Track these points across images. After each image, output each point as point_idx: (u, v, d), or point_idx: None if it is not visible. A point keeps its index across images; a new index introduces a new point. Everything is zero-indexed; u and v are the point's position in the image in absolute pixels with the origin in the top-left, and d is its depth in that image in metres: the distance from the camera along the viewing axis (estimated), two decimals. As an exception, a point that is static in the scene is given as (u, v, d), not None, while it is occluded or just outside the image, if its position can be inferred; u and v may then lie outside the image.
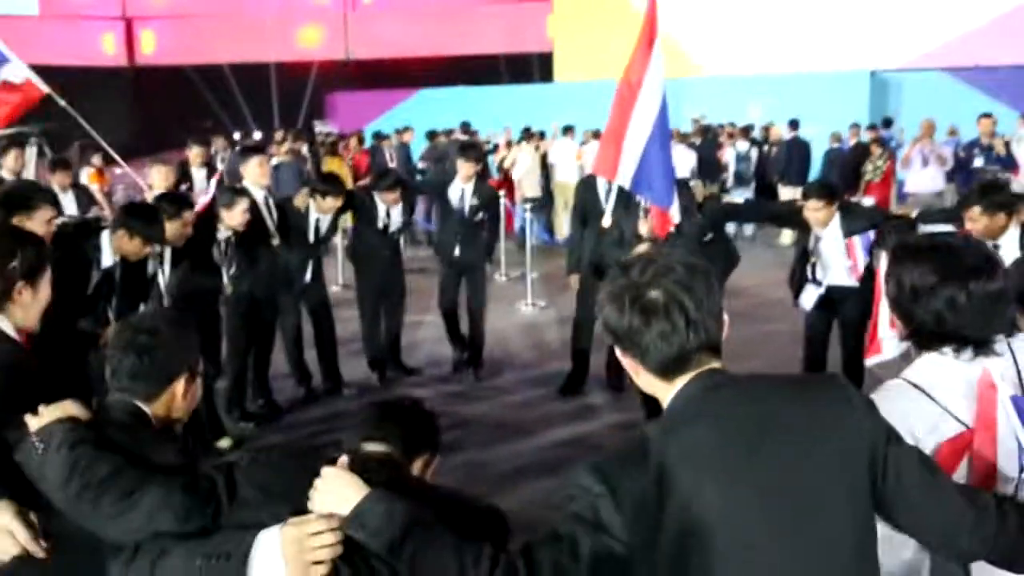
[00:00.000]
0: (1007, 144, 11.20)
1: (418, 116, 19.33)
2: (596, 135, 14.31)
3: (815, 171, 13.52)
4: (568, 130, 13.54)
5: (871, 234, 5.11)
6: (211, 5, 26.32)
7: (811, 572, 1.56)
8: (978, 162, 11.19)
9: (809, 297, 5.35)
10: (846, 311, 5.28)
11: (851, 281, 5.21)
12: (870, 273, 5.00)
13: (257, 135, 22.57)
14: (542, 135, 14.45)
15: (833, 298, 5.31)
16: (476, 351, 6.83)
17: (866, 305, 4.78)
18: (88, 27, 26.90)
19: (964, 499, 1.66)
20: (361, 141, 15.42)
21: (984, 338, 1.88)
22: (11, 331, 2.20)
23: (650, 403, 1.94)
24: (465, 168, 6.60)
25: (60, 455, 1.77)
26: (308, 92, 26.42)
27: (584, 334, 6.28)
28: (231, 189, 5.41)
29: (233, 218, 5.09)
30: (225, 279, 5.11)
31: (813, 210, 5.15)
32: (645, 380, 1.67)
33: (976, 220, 4.27)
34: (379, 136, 15.01)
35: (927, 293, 1.88)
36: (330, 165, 7.18)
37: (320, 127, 22.63)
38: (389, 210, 6.36)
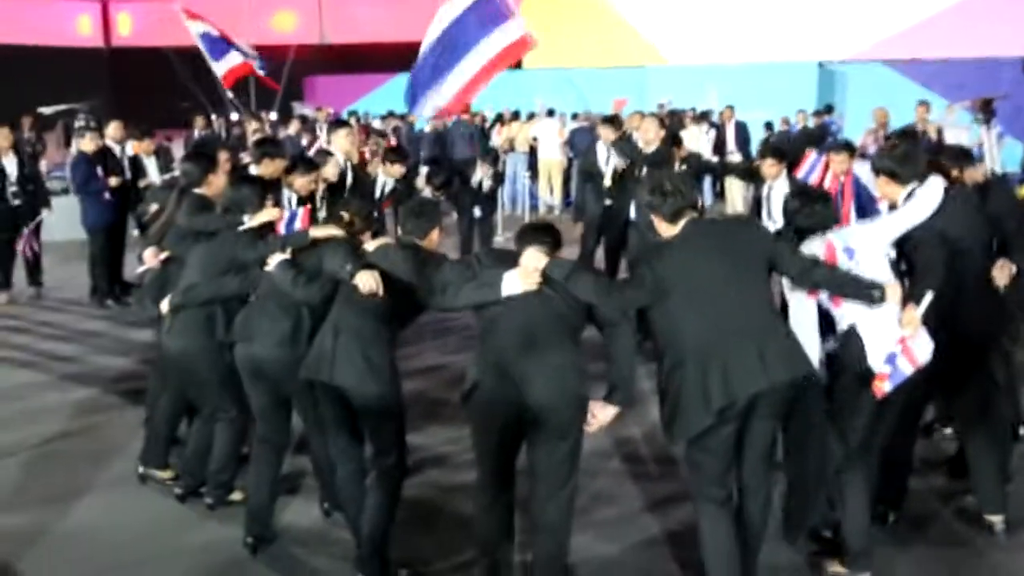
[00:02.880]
0: (939, 131, 12.54)
1: (397, 100, 20.48)
2: (574, 117, 15.77)
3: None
4: (551, 112, 14.93)
5: None
6: (184, -14, 26.99)
7: (743, 288, 3.49)
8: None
9: None
10: None
11: None
12: None
13: (234, 116, 23.51)
14: (516, 116, 15.79)
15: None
16: None
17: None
18: (64, 8, 27.46)
19: (808, 261, 3.66)
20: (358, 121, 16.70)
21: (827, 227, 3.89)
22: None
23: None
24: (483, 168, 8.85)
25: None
26: (285, 75, 27.27)
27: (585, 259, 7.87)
28: (323, 151, 6.74)
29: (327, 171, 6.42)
30: None
31: (768, 166, 6.69)
32: (663, 227, 3.63)
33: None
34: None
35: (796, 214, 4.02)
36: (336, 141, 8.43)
37: (300, 109, 23.59)
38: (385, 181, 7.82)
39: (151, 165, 9.14)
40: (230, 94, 13.71)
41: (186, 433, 5.19)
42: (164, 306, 4.55)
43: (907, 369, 3.71)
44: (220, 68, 13.03)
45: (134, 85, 25.74)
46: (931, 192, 4.01)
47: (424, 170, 7.92)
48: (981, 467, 4.26)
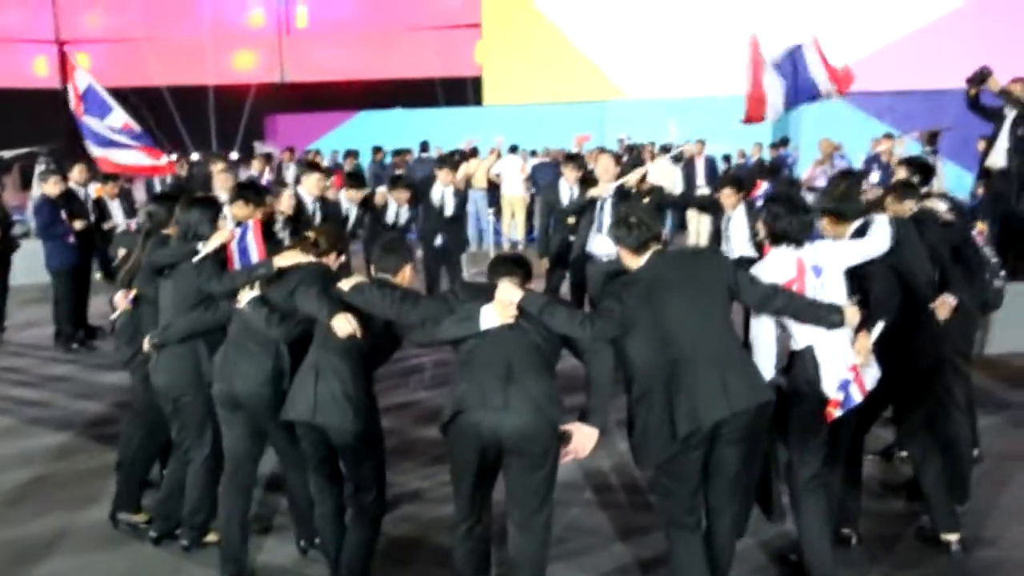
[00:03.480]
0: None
1: (358, 137, 20.64)
2: (534, 154, 16.00)
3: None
4: (514, 149, 15.15)
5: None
6: (146, 29, 26.97)
7: (706, 318, 3.68)
8: (874, 176, 12.52)
9: None
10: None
11: (752, 252, 6.65)
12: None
13: (195, 156, 23.44)
14: (475, 152, 15.95)
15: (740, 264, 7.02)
16: None
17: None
18: (20, 49, 27.32)
19: (770, 288, 3.81)
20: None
21: (799, 240, 3.94)
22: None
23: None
24: (443, 175, 8.53)
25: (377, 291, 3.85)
26: (246, 114, 27.34)
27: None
28: (278, 182, 6.85)
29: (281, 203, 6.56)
30: None
31: (726, 196, 6.98)
32: (629, 258, 3.82)
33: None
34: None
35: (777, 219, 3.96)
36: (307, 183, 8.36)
37: (260, 148, 23.63)
38: (399, 209, 7.91)
39: (115, 207, 9.16)
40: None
41: (159, 476, 5.22)
42: (145, 346, 4.60)
43: (857, 397, 3.89)
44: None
45: (93, 126, 25.62)
46: (884, 229, 4.22)
47: (382, 188, 8.00)
48: (931, 489, 4.43)
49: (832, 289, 3.95)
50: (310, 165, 7.67)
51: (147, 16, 27.01)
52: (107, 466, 5.46)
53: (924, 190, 5.30)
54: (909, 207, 4.82)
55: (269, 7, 27.80)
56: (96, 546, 4.79)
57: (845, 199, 4.31)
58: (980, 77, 7.99)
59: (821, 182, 12.99)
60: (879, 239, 4.19)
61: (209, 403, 4.39)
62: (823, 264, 3.97)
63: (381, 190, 7.82)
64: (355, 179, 7.79)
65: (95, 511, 5.12)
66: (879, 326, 3.95)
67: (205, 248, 4.45)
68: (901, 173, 5.50)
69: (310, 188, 6.98)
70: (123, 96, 25.96)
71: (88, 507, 5.22)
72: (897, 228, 4.31)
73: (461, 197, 8.88)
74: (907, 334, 4.21)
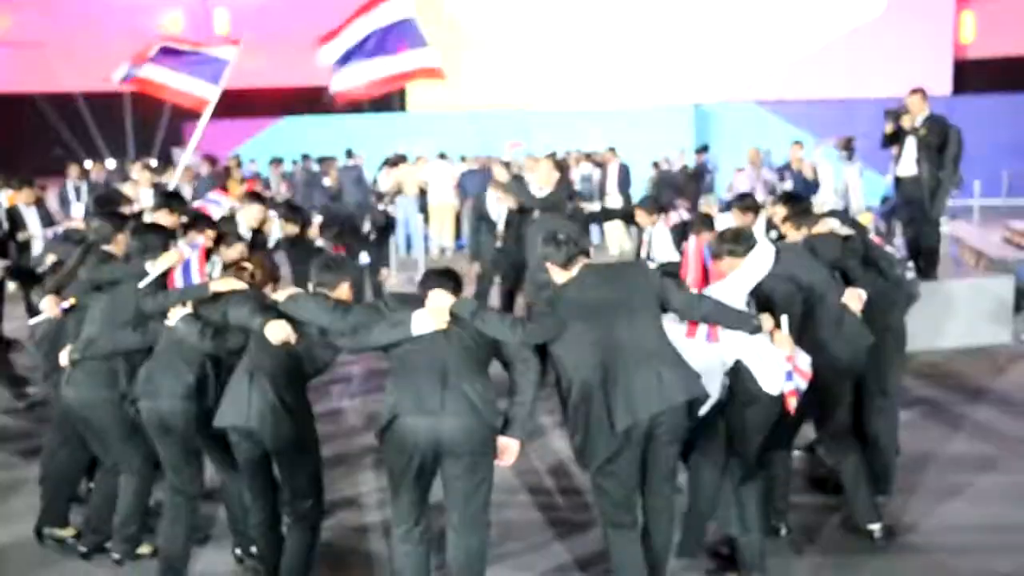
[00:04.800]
0: (814, 168, 13.00)
1: (280, 144, 20.39)
2: (462, 159, 16.05)
3: (640, 188, 15.55)
4: (442, 156, 15.17)
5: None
6: (55, 33, 26.19)
7: (638, 322, 3.78)
8: (787, 184, 12.81)
9: None
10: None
11: (676, 256, 6.95)
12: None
13: (111, 163, 22.83)
14: (403, 159, 15.91)
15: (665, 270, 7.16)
16: None
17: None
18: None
19: (694, 296, 4.06)
20: (239, 166, 16.53)
21: None
22: None
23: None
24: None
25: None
26: (164, 120, 26.74)
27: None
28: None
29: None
30: None
31: (641, 217, 7.20)
32: (558, 273, 3.91)
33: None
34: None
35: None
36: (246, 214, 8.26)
37: (179, 155, 23.13)
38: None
39: (31, 216, 8.80)
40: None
41: (85, 490, 5.10)
42: (63, 358, 4.49)
43: (802, 383, 4.09)
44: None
45: (1, 133, 24.82)
46: (763, 252, 4.46)
47: (317, 220, 7.91)
48: (851, 483, 4.63)
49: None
50: (251, 195, 7.43)
51: (55, 20, 26.21)
52: (30, 480, 5.30)
53: (822, 210, 5.54)
54: (803, 233, 5.07)
55: (188, 11, 27.28)
56: (24, 564, 4.65)
57: (738, 240, 4.47)
58: (896, 115, 8.41)
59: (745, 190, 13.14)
60: (762, 258, 4.42)
61: (127, 418, 4.32)
62: (722, 296, 4.19)
63: (316, 222, 7.69)
64: (293, 211, 7.60)
65: (20, 527, 4.96)
66: (784, 319, 4.16)
67: (155, 268, 4.43)
68: (781, 211, 5.70)
69: (249, 219, 6.80)
70: (31, 102, 25.15)
71: (12, 523, 5.06)
72: (791, 251, 4.64)
73: (384, 217, 9.27)
74: (823, 342, 4.42)
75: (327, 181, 14.11)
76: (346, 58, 8.22)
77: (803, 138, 14.90)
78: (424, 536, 3.80)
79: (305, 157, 16.80)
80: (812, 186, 12.59)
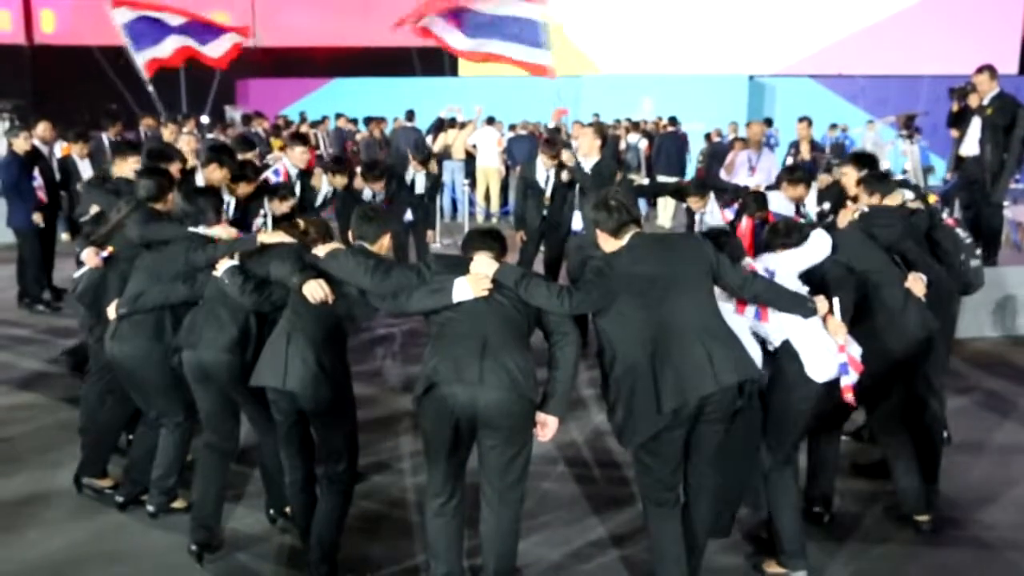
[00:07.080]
0: (812, 146, 12.74)
1: (331, 105, 20.38)
2: (512, 128, 15.89)
3: (692, 161, 15.28)
4: (491, 120, 15.01)
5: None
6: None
7: (690, 295, 3.62)
8: (789, 160, 12.67)
9: None
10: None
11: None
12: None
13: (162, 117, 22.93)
14: (453, 123, 15.81)
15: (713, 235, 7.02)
16: None
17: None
18: (-18, 3, 26.67)
19: (749, 274, 3.82)
20: (287, 125, 16.55)
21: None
22: None
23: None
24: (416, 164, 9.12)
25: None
26: (216, 77, 26.86)
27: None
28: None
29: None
30: None
31: (693, 202, 7.06)
32: (608, 242, 3.73)
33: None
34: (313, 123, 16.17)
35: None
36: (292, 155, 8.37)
37: (231, 112, 23.25)
38: (375, 193, 7.84)
39: (85, 167, 8.93)
40: (150, 88, 12.25)
41: (125, 442, 5.14)
42: (111, 312, 4.49)
43: (855, 375, 3.93)
44: (142, 57, 11.66)
45: (59, 84, 25.11)
46: (820, 239, 4.33)
47: (359, 170, 7.95)
48: (902, 474, 4.48)
49: (791, 287, 4.01)
50: (296, 137, 7.57)
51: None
52: (73, 428, 5.36)
53: (899, 177, 5.35)
54: (875, 200, 4.89)
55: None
56: (63, 511, 4.70)
57: (790, 232, 4.31)
58: (963, 93, 8.16)
59: (743, 170, 11.12)
60: (818, 246, 4.29)
61: (173, 372, 4.32)
62: (773, 268, 4.06)
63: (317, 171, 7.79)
64: (340, 164, 7.70)
65: (60, 475, 5.02)
66: (837, 303, 4.00)
67: (208, 232, 4.49)
68: (852, 172, 5.50)
69: (295, 160, 6.93)
70: (90, 54, 25.44)
71: (54, 471, 5.12)
72: (845, 238, 4.48)
73: (432, 179, 9.33)
74: (876, 331, 4.28)
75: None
76: (476, 28, 9.78)
77: (859, 115, 14.53)
78: (459, 510, 3.74)
79: (368, 120, 16.65)
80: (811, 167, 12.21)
